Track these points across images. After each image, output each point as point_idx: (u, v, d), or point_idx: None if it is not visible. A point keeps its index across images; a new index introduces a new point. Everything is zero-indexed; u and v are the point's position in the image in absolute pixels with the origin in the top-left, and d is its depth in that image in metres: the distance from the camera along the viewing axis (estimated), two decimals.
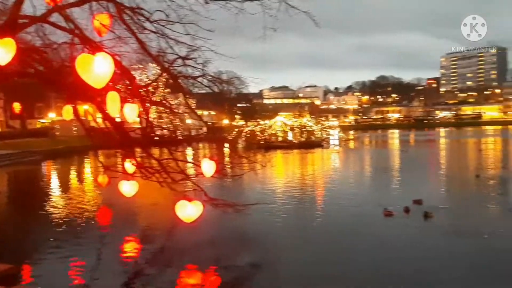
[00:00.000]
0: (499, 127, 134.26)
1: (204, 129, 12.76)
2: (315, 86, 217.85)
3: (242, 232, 15.30)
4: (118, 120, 10.02)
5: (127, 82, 9.64)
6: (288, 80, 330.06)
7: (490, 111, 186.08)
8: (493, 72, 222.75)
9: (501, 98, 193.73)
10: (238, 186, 23.01)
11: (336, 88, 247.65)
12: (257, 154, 35.65)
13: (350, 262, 12.27)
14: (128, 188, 9.90)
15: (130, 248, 14.24)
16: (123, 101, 8.79)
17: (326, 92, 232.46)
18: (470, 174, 28.87)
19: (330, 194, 23.88)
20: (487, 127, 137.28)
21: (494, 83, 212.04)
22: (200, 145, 21.65)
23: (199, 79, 10.06)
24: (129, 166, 9.87)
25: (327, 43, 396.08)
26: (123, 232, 15.37)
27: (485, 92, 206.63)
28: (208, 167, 9.21)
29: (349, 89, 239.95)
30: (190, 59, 9.45)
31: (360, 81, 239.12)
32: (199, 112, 15.46)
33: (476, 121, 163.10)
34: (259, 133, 62.90)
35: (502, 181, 26.42)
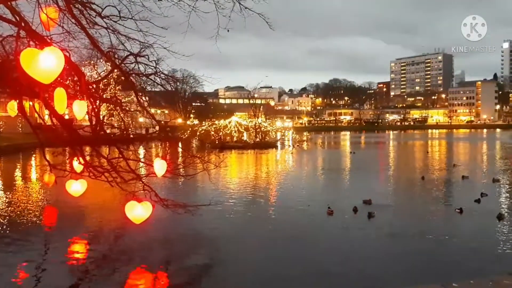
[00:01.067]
0: (444, 130, 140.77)
1: (157, 128, 12.54)
2: (270, 87, 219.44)
3: (193, 233, 15.20)
4: (66, 117, 9.69)
5: (76, 78, 9.34)
6: (244, 80, 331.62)
7: (436, 115, 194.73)
8: (440, 78, 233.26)
9: (447, 103, 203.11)
10: (190, 187, 22.85)
11: (291, 90, 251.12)
12: (211, 154, 35.46)
13: (295, 262, 12.50)
14: (76, 187, 9.59)
15: (78, 249, 13.81)
16: (72, 97, 8.52)
17: (281, 93, 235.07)
18: (417, 176, 30.05)
19: (282, 194, 24.15)
20: (434, 130, 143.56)
21: (440, 88, 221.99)
22: (153, 144, 21.23)
23: (152, 77, 9.89)
24: (77, 165, 9.58)
25: (283, 45, 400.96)
26: (71, 233, 14.90)
27: (432, 97, 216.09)
28: (160, 167, 9.07)
29: (304, 91, 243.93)
30: (143, 56, 9.28)
31: (314, 84, 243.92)
32: (152, 110, 15.22)
33: (423, 125, 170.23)
34: (213, 133, 62.69)
35: (446, 183, 27.67)
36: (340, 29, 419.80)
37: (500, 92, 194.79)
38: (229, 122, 64.71)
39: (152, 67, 9.60)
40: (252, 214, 18.71)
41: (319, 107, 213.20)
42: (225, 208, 18.96)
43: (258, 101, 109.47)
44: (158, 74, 9.84)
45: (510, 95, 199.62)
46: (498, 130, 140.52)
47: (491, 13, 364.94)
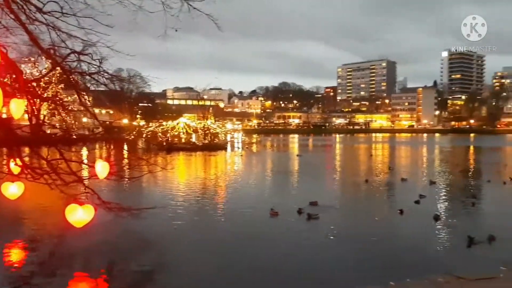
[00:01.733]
0: (387, 134, 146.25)
1: (101, 128, 12.15)
2: (220, 88, 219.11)
3: (137, 237, 14.87)
4: (3, 116, 9.19)
5: (14, 75, 8.88)
6: (193, 81, 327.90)
7: (380, 120, 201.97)
8: (383, 84, 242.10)
9: (390, 108, 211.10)
10: (136, 189, 22.34)
11: (240, 92, 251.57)
12: (158, 156, 34.87)
13: (236, 264, 12.59)
14: (13, 190, 9.11)
15: (14, 255, 13.13)
16: (10, 95, 8.09)
17: (231, 95, 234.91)
18: (361, 179, 31.00)
19: (229, 197, 24.16)
20: (377, 134, 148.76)
21: (384, 94, 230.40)
22: (97, 145, 20.56)
23: (95, 76, 9.57)
24: (14, 167, 9.10)
25: (234, 47, 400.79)
26: (7, 238, 14.13)
27: (376, 102, 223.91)
28: (102, 169, 8.78)
29: (253, 93, 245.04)
30: (86, 54, 8.95)
31: (263, 86, 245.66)
32: (96, 110, 14.71)
33: (368, 129, 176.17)
34: (161, 134, 61.66)
35: (388, 185, 28.73)
36: (291, 32, 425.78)
37: (440, 98, 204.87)
38: (177, 124, 63.92)
39: (96, 66, 9.29)
40: (199, 218, 18.59)
41: (268, 110, 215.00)
42: (170, 212, 18.71)
43: (208, 103, 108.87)
44: (102, 73, 9.53)
45: (448, 101, 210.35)
46: (437, 134, 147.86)
47: (433, 24, 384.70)
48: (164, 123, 66.20)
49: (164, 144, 58.59)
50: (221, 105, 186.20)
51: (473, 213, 19.90)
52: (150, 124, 68.14)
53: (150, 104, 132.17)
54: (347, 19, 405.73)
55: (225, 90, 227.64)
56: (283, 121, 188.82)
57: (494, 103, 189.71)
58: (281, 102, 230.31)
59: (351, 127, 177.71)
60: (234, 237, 15.23)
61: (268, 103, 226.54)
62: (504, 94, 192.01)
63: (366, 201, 23.57)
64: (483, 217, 19.44)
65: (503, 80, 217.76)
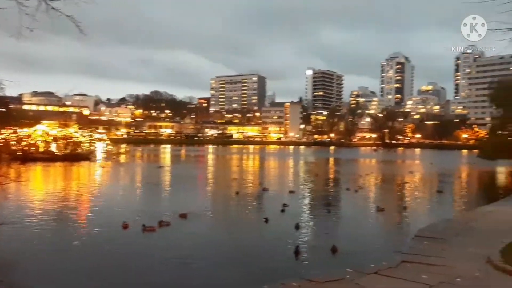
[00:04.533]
0: (258, 146, 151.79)
1: None
2: (85, 94, 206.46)
3: None
4: None
5: None
6: (56, 85, 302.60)
7: (251, 132, 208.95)
8: (254, 97, 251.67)
9: (260, 121, 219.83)
10: None
11: (108, 99, 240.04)
12: (10, 167, 31.08)
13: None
14: None
15: None
16: None
17: (97, 102, 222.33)
18: (232, 190, 31.19)
19: (89, 211, 22.42)
20: (249, 146, 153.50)
21: (255, 107, 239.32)
22: None
23: None
24: None
25: (106, 52, 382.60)
26: None
27: (247, 115, 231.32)
28: None
29: (123, 101, 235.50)
30: None
31: (134, 94, 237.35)
32: None
33: (240, 140, 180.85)
34: (15, 142, 55.40)
35: (257, 196, 29.26)
36: (166, 41, 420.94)
37: (304, 113, 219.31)
38: (34, 131, 58.17)
39: None
40: (51, 235, 16.80)
41: (139, 119, 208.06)
42: (21, 228, 16.75)
43: (71, 109, 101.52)
44: None
45: (312, 116, 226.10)
46: (302, 147, 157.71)
47: (301, 44, 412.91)
48: (18, 130, 59.53)
49: (19, 153, 52.69)
50: (86, 112, 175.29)
51: (328, 219, 21.30)
52: (2, 131, 60.90)
53: (3, 109, 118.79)
54: (224, 33, 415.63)
55: (91, 97, 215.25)
56: (154, 131, 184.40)
57: (350, 119, 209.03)
58: (152, 111, 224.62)
59: (225, 138, 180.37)
60: (83, 253, 14.14)
61: (139, 111, 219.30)
62: (359, 111, 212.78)
63: (236, 210, 23.80)
64: (336, 223, 20.93)
65: (358, 98, 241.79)
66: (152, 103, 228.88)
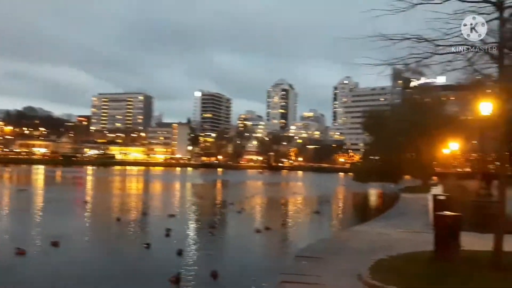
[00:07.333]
0: (143, 167, 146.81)
1: None
2: None
3: None
4: None
5: None
6: None
7: (136, 153, 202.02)
8: (140, 117, 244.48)
9: (146, 141, 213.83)
10: None
11: None
12: None
13: None
14: None
15: None
16: None
17: None
18: (112, 215, 29.29)
19: None
20: (133, 167, 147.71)
21: (140, 127, 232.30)
22: None
23: None
24: None
25: None
26: None
27: (132, 135, 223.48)
28: None
29: None
30: None
31: (4, 110, 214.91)
32: None
33: (124, 161, 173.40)
34: None
35: (140, 222, 27.73)
36: (47, 56, 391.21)
37: (193, 135, 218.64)
38: None
39: None
40: None
41: (8, 136, 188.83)
42: None
43: None
44: None
45: (200, 138, 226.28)
46: (189, 168, 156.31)
47: (190, 66, 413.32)
48: None
49: None
50: None
51: (212, 243, 21.05)
52: None
53: None
54: (113, 51, 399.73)
55: None
56: (26, 150, 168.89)
57: (238, 142, 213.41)
58: (24, 129, 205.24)
59: (111, 159, 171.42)
60: None
61: (9, 128, 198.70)
62: (247, 134, 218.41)
63: (115, 237, 22.36)
64: (220, 246, 20.76)
65: (246, 122, 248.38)
66: (25, 119, 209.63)
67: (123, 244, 20.52)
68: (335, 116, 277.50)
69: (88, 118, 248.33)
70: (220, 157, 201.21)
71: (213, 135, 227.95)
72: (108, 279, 14.31)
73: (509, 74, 11.18)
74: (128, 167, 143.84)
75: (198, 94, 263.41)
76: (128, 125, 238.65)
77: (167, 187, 63.47)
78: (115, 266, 16.22)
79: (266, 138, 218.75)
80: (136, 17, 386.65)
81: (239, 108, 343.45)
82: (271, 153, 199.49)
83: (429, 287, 9.26)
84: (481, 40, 10.85)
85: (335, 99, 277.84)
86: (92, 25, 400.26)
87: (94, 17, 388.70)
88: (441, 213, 12.58)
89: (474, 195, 19.82)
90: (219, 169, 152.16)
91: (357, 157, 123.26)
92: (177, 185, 69.13)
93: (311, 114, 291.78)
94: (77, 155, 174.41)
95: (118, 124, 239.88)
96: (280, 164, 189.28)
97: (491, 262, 10.63)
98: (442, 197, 19.97)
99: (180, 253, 17.47)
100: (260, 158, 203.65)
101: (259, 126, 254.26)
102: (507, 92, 11.14)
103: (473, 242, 13.30)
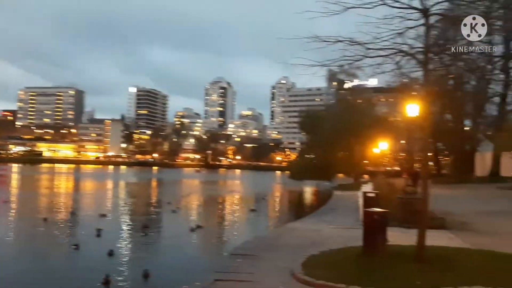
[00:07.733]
0: (73, 165, 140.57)
1: None
2: None
3: None
4: None
5: None
6: None
7: (66, 150, 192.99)
8: (71, 112, 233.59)
9: (76, 138, 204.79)
10: None
11: None
12: None
13: None
14: None
15: None
16: None
17: None
18: (39, 215, 27.71)
19: None
20: (62, 165, 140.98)
21: (70, 123, 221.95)
22: None
23: None
24: None
25: None
26: None
27: (61, 131, 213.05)
28: None
29: None
30: None
31: None
32: None
33: (53, 158, 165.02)
34: None
35: (69, 222, 26.50)
36: None
37: (127, 132, 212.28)
38: None
39: None
40: None
41: None
42: None
43: None
44: None
45: (135, 135, 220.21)
46: (123, 167, 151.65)
47: (125, 61, 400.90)
48: None
49: None
50: None
51: (145, 242, 20.47)
52: None
53: None
54: (38, 41, 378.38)
55: None
56: None
57: (175, 139, 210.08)
58: None
59: (38, 156, 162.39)
60: None
61: None
62: (184, 132, 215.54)
63: (43, 239, 21.15)
64: (153, 245, 20.22)
65: (183, 119, 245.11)
66: None
67: (49, 246, 19.51)
68: (273, 115, 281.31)
69: (13, 112, 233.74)
70: (155, 155, 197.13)
71: (149, 132, 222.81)
72: (31, 283, 13.52)
73: (433, 78, 11.83)
74: (57, 165, 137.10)
75: (133, 90, 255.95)
76: (58, 121, 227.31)
77: (98, 186, 61.17)
78: (39, 268, 15.34)
79: (204, 136, 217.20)
80: (67, 7, 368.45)
81: (176, 105, 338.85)
82: (209, 152, 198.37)
83: (357, 280, 9.58)
84: (408, 44, 11.40)
85: (273, 98, 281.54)
86: (19, 14, 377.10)
87: (21, 5, 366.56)
88: (369, 209, 13.07)
89: (401, 193, 20.79)
90: (155, 168, 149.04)
91: (293, 156, 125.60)
92: (110, 184, 66.84)
93: (249, 112, 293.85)
94: (1, 151, 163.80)
95: (46, 120, 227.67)
96: (217, 163, 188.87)
97: (415, 255, 11.19)
98: (371, 194, 20.75)
99: (111, 253, 16.86)
100: (198, 156, 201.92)
101: (197, 124, 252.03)
102: (431, 95, 11.78)
103: (399, 237, 13.96)
